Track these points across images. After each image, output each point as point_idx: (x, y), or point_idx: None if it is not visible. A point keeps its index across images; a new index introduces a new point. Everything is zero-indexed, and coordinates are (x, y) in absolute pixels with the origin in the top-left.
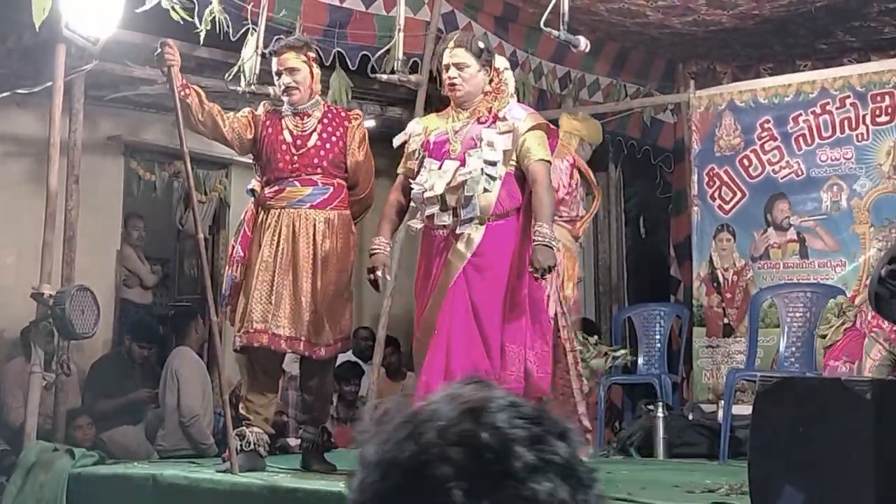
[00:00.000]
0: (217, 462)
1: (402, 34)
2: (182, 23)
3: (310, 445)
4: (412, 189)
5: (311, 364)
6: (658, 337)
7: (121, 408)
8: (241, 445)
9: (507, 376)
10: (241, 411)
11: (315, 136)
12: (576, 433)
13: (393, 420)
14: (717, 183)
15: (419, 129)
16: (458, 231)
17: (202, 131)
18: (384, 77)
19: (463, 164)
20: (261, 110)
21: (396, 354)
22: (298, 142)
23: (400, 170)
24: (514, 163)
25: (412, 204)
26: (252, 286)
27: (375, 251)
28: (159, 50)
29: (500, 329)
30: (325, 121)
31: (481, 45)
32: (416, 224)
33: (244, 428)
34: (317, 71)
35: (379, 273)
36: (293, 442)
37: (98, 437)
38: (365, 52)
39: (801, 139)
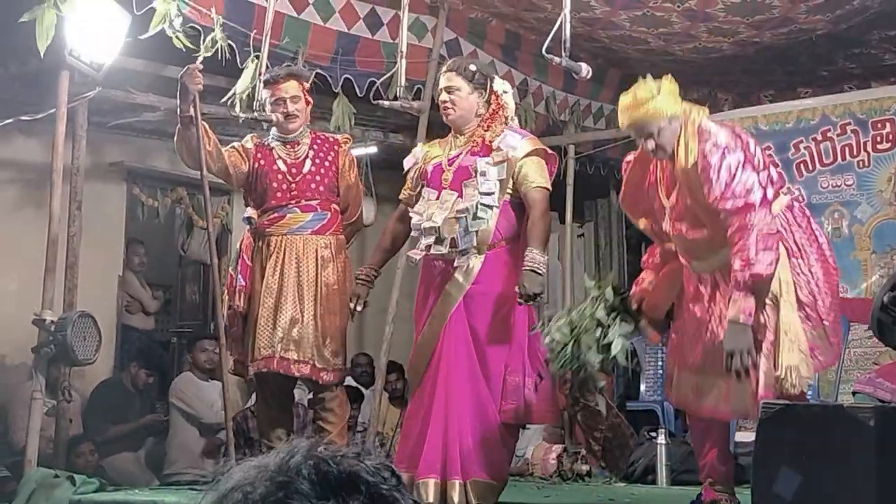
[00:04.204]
0: None
1: (404, 61)
2: (184, 49)
3: None
4: (411, 217)
5: (322, 388)
6: (660, 363)
7: (126, 434)
8: None
9: (507, 407)
10: (266, 442)
11: (308, 163)
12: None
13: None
14: None
15: (420, 155)
16: (456, 263)
17: (207, 162)
18: (386, 104)
19: (460, 195)
20: (249, 144)
21: (400, 380)
22: (293, 170)
23: (401, 196)
24: (510, 191)
25: (413, 233)
26: (258, 314)
27: (358, 281)
28: (187, 71)
29: (502, 358)
30: (315, 147)
31: (473, 67)
32: (416, 255)
33: None
34: (310, 100)
35: (351, 305)
36: None
37: (99, 464)
38: (372, 79)
39: (802, 166)
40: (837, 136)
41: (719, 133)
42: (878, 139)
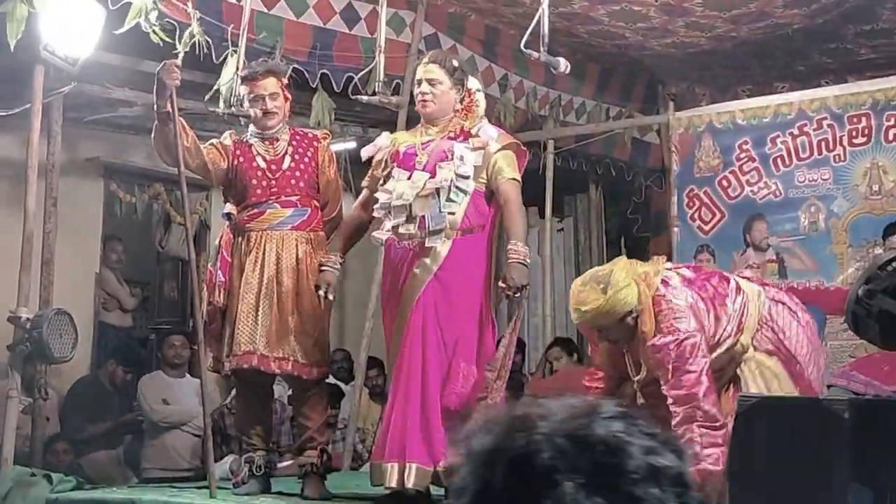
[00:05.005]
0: (200, 486)
1: (383, 56)
2: (161, 44)
3: (310, 468)
4: (377, 199)
5: (303, 385)
6: None
7: (104, 432)
8: (252, 470)
9: (449, 391)
10: (245, 438)
11: (288, 159)
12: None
13: (504, 416)
14: (697, 204)
15: (388, 141)
16: (426, 244)
17: (185, 158)
18: (365, 98)
19: (433, 175)
20: (228, 140)
21: (381, 376)
22: (273, 166)
23: (364, 183)
24: (483, 180)
25: (375, 215)
26: (237, 310)
27: (324, 269)
28: (164, 66)
29: (452, 343)
30: (294, 143)
31: (455, 63)
32: (381, 235)
33: (252, 454)
34: (288, 96)
35: (321, 293)
36: (283, 464)
37: (76, 462)
38: (350, 74)
39: (779, 160)
40: (814, 130)
41: (675, 311)
42: (854, 134)
